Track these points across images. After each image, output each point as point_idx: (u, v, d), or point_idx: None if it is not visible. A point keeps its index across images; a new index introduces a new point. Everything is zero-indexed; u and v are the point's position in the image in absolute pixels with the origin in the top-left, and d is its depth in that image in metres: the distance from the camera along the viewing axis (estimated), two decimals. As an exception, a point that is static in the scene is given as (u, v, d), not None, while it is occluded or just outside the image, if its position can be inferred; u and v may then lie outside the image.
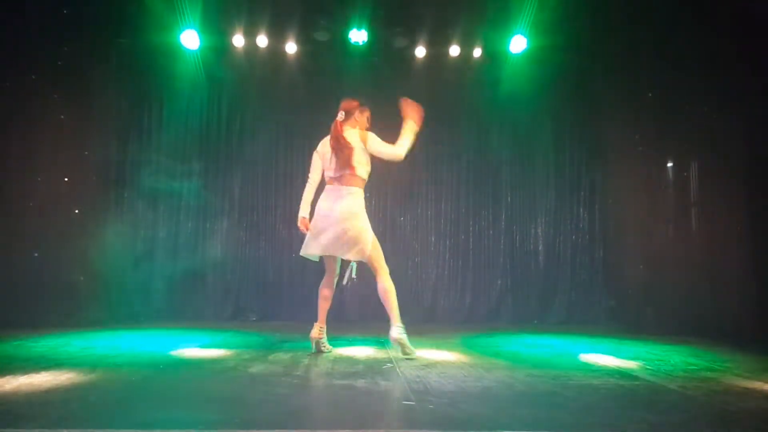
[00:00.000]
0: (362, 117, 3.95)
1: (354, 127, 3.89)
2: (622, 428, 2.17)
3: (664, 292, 5.57)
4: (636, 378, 3.16)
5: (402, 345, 3.72)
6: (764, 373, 3.36)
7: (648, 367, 3.54)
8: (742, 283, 4.88)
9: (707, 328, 4.99)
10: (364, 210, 3.83)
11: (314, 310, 6.25)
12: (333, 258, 3.91)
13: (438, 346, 4.19)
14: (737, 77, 4.91)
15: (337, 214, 3.73)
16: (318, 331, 3.94)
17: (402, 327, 3.73)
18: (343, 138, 3.80)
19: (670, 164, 5.76)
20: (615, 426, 2.19)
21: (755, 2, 4.65)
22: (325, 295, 3.98)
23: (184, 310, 6.16)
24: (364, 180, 3.87)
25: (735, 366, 3.58)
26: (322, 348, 3.96)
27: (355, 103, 3.94)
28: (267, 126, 6.49)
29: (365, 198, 3.93)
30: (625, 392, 2.79)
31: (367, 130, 3.93)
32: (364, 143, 3.80)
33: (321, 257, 3.90)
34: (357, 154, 3.78)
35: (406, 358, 3.68)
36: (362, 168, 3.82)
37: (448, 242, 6.49)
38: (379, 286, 3.79)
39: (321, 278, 6.32)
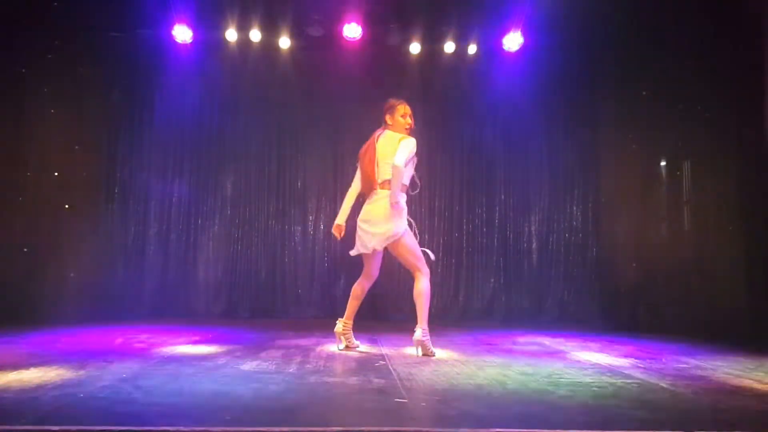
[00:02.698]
0: (394, 119, 3.90)
1: (395, 131, 3.88)
2: (614, 426, 2.17)
3: (657, 291, 5.59)
4: (628, 376, 3.17)
5: (423, 347, 3.75)
6: (755, 371, 3.38)
7: (639, 365, 3.55)
8: (734, 281, 4.90)
9: (699, 326, 5.01)
10: (403, 214, 3.76)
11: (306, 307, 6.30)
12: (371, 260, 3.91)
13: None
14: (731, 76, 4.93)
15: (370, 217, 3.80)
16: (341, 326, 3.98)
17: (425, 330, 3.74)
18: (371, 147, 3.87)
19: (663, 163, 5.78)
20: (607, 423, 2.19)
21: (749, 1, 4.67)
22: (357, 295, 4.00)
23: (176, 306, 6.12)
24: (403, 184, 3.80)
25: (726, 364, 3.60)
26: (349, 344, 4.00)
27: (384, 107, 3.96)
28: (260, 121, 6.45)
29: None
30: (616, 390, 2.80)
31: (409, 127, 3.91)
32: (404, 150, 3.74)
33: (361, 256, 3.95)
34: (383, 160, 3.80)
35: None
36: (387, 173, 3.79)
37: (441, 240, 6.48)
38: (414, 286, 3.81)
39: (311, 275, 6.38)
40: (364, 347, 4.11)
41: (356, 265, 6.39)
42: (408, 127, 3.92)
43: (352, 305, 4.00)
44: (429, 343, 3.78)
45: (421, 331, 3.74)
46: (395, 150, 3.75)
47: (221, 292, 6.26)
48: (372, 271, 3.97)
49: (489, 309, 6.37)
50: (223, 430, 2.04)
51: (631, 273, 5.89)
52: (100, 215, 5.97)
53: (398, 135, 3.85)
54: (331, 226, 6.35)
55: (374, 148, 3.87)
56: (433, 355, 3.76)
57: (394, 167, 3.68)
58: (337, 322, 4.01)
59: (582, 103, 6.49)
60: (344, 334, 3.99)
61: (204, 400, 2.48)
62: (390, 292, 6.28)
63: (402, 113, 3.90)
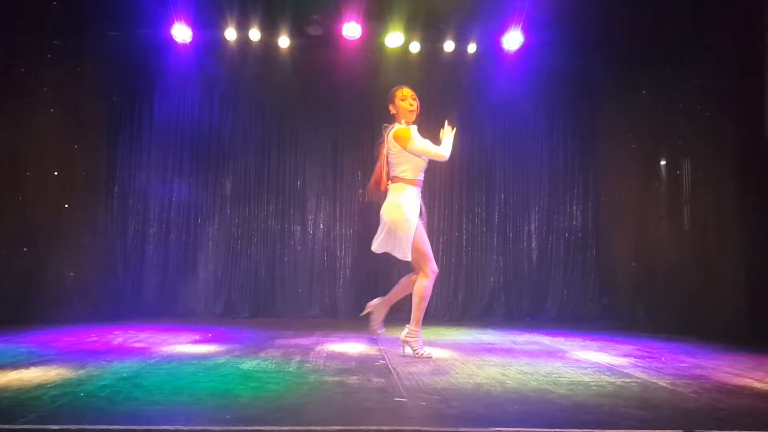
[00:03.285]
0: (396, 106, 3.74)
1: (400, 119, 3.74)
2: (613, 425, 2.17)
3: (656, 290, 5.59)
4: (627, 375, 3.17)
5: (411, 348, 3.66)
6: (754, 370, 3.38)
7: (639, 364, 3.55)
8: (733, 280, 4.90)
9: (698, 325, 5.01)
10: (408, 208, 3.59)
11: (306, 307, 6.30)
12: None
13: (430, 343, 4.19)
14: (730, 75, 4.93)
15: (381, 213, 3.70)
16: (376, 304, 3.84)
17: (413, 330, 3.64)
18: (383, 144, 3.75)
19: (662, 162, 5.77)
20: (606, 423, 2.19)
21: (749, 0, 4.67)
22: (403, 283, 3.82)
23: (175, 305, 6.13)
24: (409, 179, 3.67)
25: (725, 363, 3.59)
26: (375, 328, 3.86)
27: (388, 97, 3.80)
28: (259, 121, 6.45)
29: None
30: (616, 389, 2.80)
31: (414, 109, 3.73)
32: (400, 142, 3.63)
33: None
34: (391, 156, 3.69)
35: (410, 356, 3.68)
36: (398, 168, 3.69)
37: (441, 239, 6.47)
38: (416, 284, 3.66)
39: (310, 275, 6.39)
40: (363, 346, 4.11)
41: (355, 265, 6.43)
42: (411, 109, 3.73)
43: (396, 291, 3.83)
44: (416, 345, 3.64)
45: (407, 331, 3.66)
46: (396, 145, 3.65)
47: (221, 292, 6.26)
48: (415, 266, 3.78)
49: (488, 308, 6.37)
50: (223, 429, 2.04)
51: (630, 272, 5.89)
52: (100, 215, 5.97)
53: (403, 126, 3.71)
54: (330, 226, 6.45)
55: (385, 145, 3.73)
56: (428, 357, 3.62)
57: (441, 157, 3.64)
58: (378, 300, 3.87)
59: (581, 102, 6.50)
60: (375, 314, 3.83)
61: (204, 400, 2.48)
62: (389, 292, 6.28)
63: (401, 97, 3.73)
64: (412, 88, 3.85)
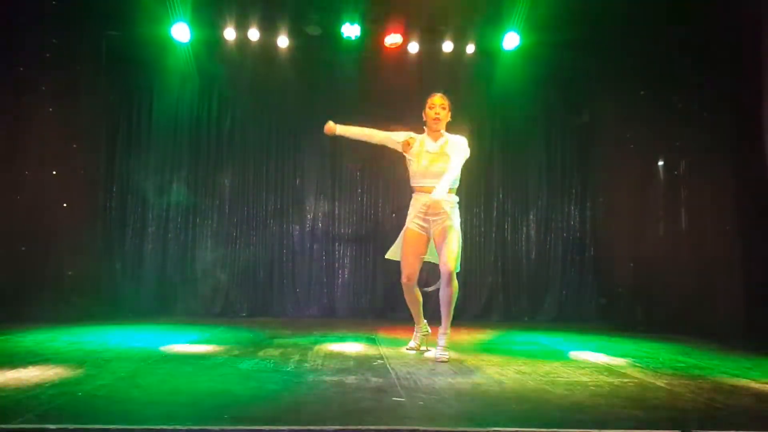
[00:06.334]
0: (425, 114, 3.80)
1: (427, 128, 3.83)
2: (611, 425, 2.17)
3: (654, 290, 5.60)
4: (625, 375, 3.18)
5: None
6: (751, 371, 3.39)
7: (637, 364, 3.56)
8: (731, 281, 4.91)
9: (695, 325, 5.02)
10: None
11: (304, 306, 6.30)
12: None
13: (428, 344, 4.19)
14: (728, 75, 4.94)
15: None
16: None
17: (420, 326, 4.04)
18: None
19: (660, 163, 5.78)
20: (604, 422, 2.20)
21: (745, 2, 4.67)
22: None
23: (173, 305, 6.12)
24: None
25: (722, 364, 3.61)
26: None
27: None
28: (258, 120, 6.45)
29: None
30: (614, 389, 2.81)
31: (436, 117, 3.72)
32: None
33: None
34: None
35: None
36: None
37: (439, 239, 6.47)
38: None
39: (309, 274, 6.39)
40: (361, 346, 4.11)
41: (354, 264, 6.43)
42: (435, 118, 3.70)
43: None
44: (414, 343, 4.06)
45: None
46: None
47: (219, 291, 6.25)
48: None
49: (487, 308, 6.38)
50: (221, 428, 2.04)
51: (628, 272, 5.89)
52: (98, 214, 5.96)
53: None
54: (328, 225, 6.45)
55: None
56: (415, 349, 3.99)
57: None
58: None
59: (580, 103, 6.50)
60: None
61: (202, 399, 2.49)
62: (389, 292, 6.28)
63: (429, 105, 3.76)
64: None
